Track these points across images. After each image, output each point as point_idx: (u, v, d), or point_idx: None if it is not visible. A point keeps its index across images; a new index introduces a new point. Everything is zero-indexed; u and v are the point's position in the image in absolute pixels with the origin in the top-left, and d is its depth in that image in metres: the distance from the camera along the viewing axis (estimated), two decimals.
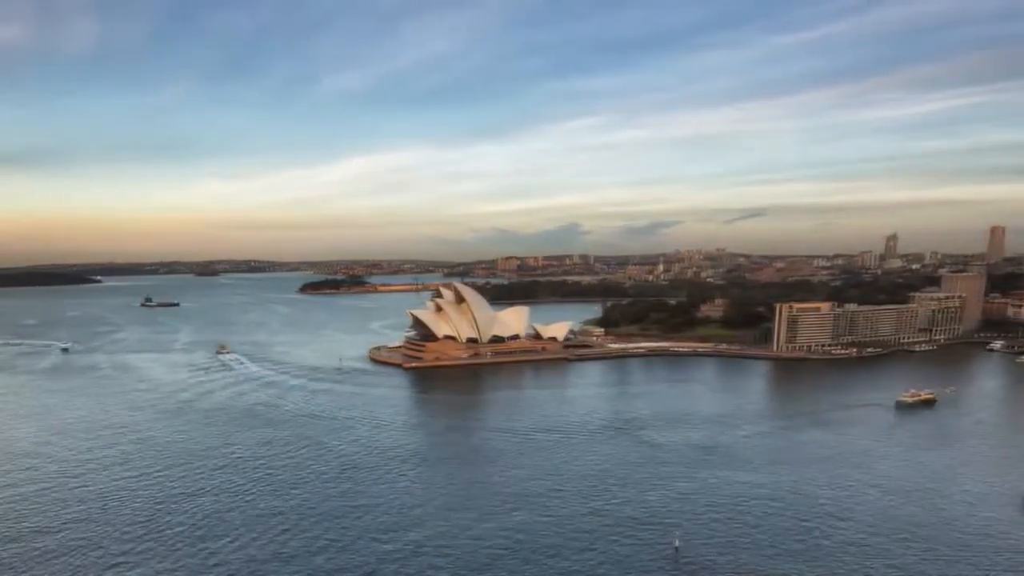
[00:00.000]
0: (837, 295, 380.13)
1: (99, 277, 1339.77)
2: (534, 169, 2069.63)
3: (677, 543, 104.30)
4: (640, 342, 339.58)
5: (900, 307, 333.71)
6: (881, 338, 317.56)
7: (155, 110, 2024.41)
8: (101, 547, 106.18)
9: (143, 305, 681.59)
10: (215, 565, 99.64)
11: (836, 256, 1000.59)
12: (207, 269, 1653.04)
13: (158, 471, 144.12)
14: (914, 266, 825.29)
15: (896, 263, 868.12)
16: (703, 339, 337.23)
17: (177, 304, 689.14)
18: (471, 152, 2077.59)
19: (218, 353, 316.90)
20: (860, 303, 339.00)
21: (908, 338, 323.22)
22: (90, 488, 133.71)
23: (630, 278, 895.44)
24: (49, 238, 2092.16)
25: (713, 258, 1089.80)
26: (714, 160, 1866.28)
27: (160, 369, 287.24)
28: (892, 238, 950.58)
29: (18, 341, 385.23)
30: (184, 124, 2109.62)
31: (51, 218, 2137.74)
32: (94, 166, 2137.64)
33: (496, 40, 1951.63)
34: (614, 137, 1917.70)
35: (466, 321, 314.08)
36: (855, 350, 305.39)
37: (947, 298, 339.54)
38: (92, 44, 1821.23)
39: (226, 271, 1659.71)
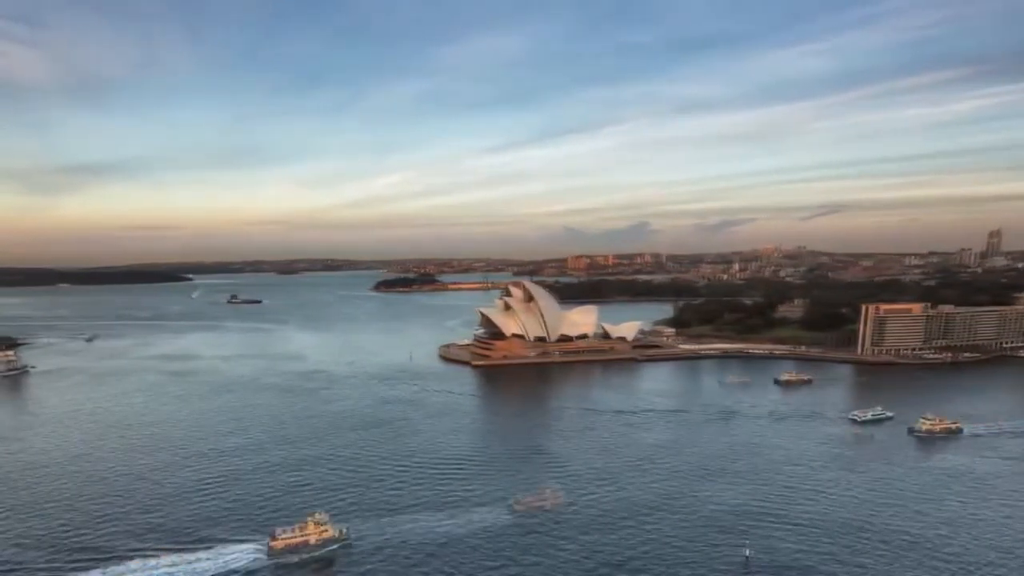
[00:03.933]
0: (931, 295, 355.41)
1: (191, 276, 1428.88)
2: (593, 169, 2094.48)
3: (748, 552, 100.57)
4: (713, 343, 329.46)
5: (1003, 309, 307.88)
6: (980, 342, 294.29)
7: (238, 122, 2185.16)
8: None
9: (229, 302, 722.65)
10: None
11: (930, 254, 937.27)
12: (288, 268, 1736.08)
13: None
14: (1020, 264, 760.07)
15: (1000, 261, 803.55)
16: (780, 340, 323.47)
17: (260, 301, 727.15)
18: (530, 154, 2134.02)
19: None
20: (957, 304, 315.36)
21: (1012, 342, 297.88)
22: None
23: (703, 277, 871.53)
24: (145, 239, 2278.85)
25: (793, 256, 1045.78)
26: (775, 157, 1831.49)
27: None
28: (995, 234, 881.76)
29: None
30: (263, 134, 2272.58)
31: (146, 220, 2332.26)
32: (183, 173, 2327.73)
33: (543, 49, 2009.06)
34: (666, 135, 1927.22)
35: (535, 320, 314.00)
36: (949, 355, 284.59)
37: None
38: (183, 67, 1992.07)
39: (305, 269, 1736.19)
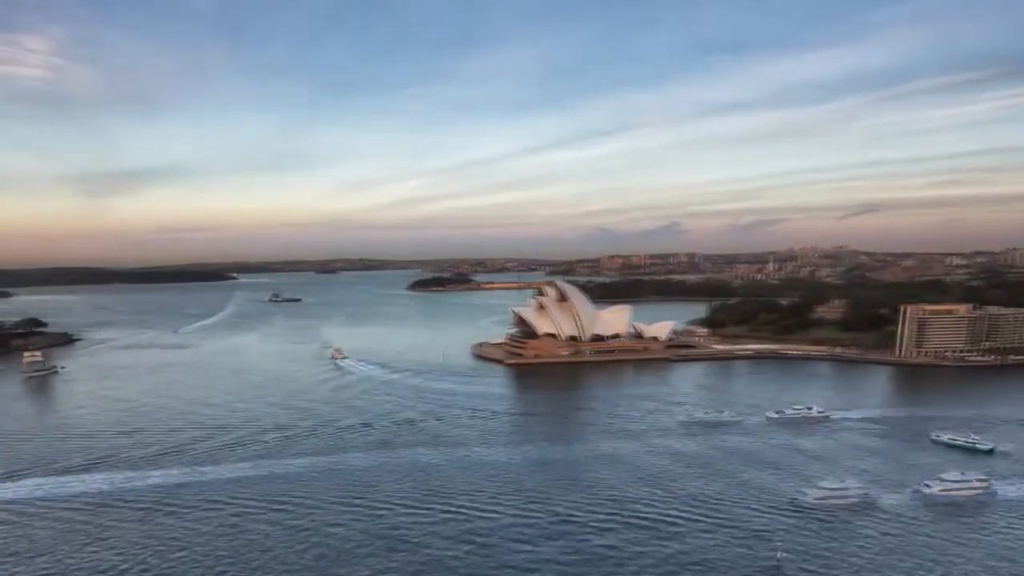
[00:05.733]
0: (976, 296, 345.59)
1: (236, 275, 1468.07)
2: (623, 170, 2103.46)
3: (780, 555, 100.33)
4: (747, 343, 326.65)
5: None
6: None
7: (279, 128, 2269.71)
8: None
9: (271, 301, 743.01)
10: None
11: (975, 253, 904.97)
12: (327, 267, 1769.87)
13: None
14: None
15: None
16: (817, 342, 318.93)
17: (299, 300, 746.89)
18: (560, 156, 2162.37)
19: None
20: (1006, 305, 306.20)
21: None
22: None
23: (738, 277, 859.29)
24: (191, 240, 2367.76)
25: (831, 256, 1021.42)
26: (806, 157, 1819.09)
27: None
28: None
29: None
30: (303, 139, 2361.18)
31: (191, 222, 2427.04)
32: (227, 177, 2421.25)
33: (571, 55, 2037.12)
34: (694, 136, 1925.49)
35: (567, 319, 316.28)
36: (995, 357, 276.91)
37: None
38: (228, 79, 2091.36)
39: (343, 269, 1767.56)
